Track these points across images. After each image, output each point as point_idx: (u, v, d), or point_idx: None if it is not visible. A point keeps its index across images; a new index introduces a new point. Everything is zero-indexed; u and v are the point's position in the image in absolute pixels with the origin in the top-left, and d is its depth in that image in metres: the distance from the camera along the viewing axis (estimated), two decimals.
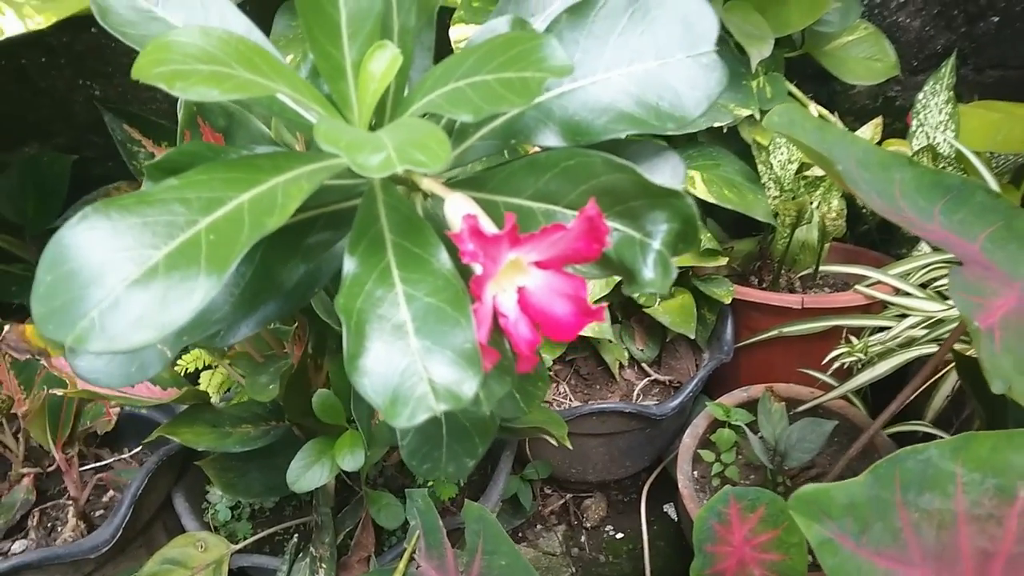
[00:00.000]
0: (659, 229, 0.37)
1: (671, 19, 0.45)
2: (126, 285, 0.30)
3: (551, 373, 1.27)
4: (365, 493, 0.93)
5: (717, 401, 1.12)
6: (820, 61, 1.29)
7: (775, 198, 1.21)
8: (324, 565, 0.89)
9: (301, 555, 0.90)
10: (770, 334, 1.22)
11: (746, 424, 1.08)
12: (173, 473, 0.99)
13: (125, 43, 0.37)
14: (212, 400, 0.98)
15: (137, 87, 1.23)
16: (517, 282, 0.37)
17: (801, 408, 1.11)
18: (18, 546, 1.00)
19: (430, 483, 0.95)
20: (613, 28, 0.45)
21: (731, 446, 1.08)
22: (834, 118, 1.29)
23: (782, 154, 1.24)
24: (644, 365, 1.27)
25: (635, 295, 1.19)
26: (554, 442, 0.91)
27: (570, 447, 0.88)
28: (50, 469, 1.06)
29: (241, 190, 0.34)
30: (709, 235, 1.19)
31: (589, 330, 1.15)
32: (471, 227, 0.33)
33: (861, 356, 1.10)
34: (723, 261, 1.20)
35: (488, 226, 0.35)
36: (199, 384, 1.01)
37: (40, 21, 0.77)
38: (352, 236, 0.37)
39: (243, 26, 0.40)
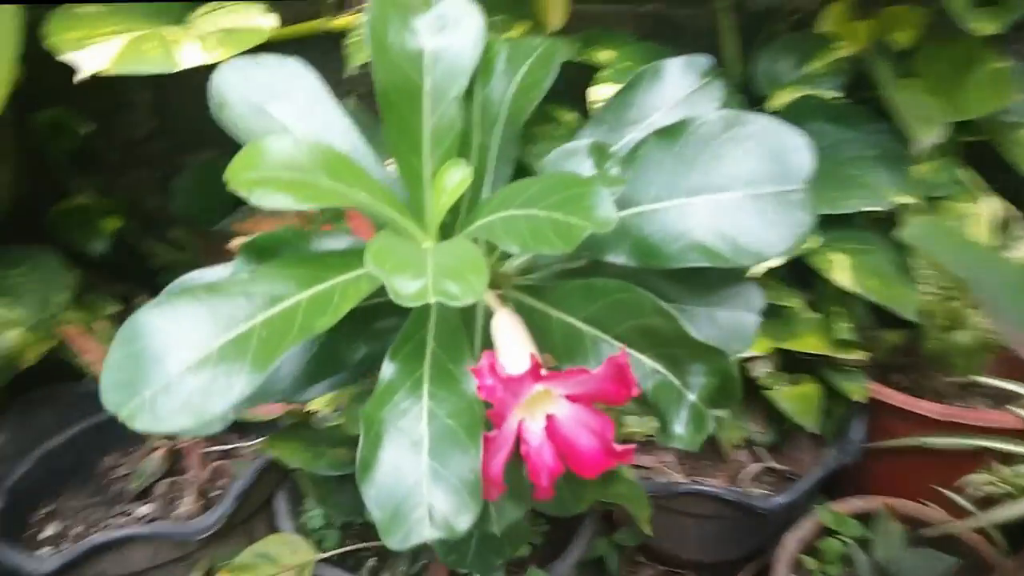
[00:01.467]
0: (698, 381, 0.37)
1: (764, 150, 0.44)
2: (181, 371, 0.34)
3: (656, 440, 1.24)
4: None
5: (830, 507, 1.05)
6: (1002, 152, 1.18)
7: (929, 295, 1.12)
8: None
9: None
10: (906, 442, 1.13)
11: (858, 539, 1.01)
12: (279, 474, 1.07)
13: (234, 137, 0.42)
14: (323, 414, 1.06)
15: None
16: (547, 409, 0.38)
17: (925, 532, 1.02)
18: (143, 510, 1.13)
19: None
20: (701, 153, 0.45)
21: (837, 559, 1.01)
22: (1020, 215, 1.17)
23: None
24: (760, 449, 1.22)
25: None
26: (646, 527, 0.90)
27: (649, 532, 0.86)
28: (181, 446, 1.19)
29: (302, 288, 0.38)
30: (846, 326, 1.12)
31: None
32: (489, 365, 0.34)
33: (1008, 488, 1.00)
34: (860, 355, 1.12)
35: (521, 362, 0.36)
36: None
37: (219, 55, 0.86)
38: (398, 339, 0.39)
39: (342, 128, 0.43)
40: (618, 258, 0.45)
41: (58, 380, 1.21)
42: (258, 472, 1.00)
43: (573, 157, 0.42)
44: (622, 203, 0.46)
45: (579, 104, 1.02)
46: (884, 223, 1.18)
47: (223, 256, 1.30)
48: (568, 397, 0.37)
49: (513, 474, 0.37)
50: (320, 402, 1.06)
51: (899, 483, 1.14)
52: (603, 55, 1.03)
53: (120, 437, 1.24)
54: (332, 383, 0.48)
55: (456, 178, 0.40)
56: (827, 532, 1.03)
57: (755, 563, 1.24)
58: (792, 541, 1.04)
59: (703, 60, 0.49)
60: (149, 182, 1.39)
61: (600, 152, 0.41)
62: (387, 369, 0.38)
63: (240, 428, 1.23)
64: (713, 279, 0.46)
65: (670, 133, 0.45)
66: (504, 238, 0.36)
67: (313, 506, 1.08)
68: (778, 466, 1.19)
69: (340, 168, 0.39)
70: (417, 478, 0.34)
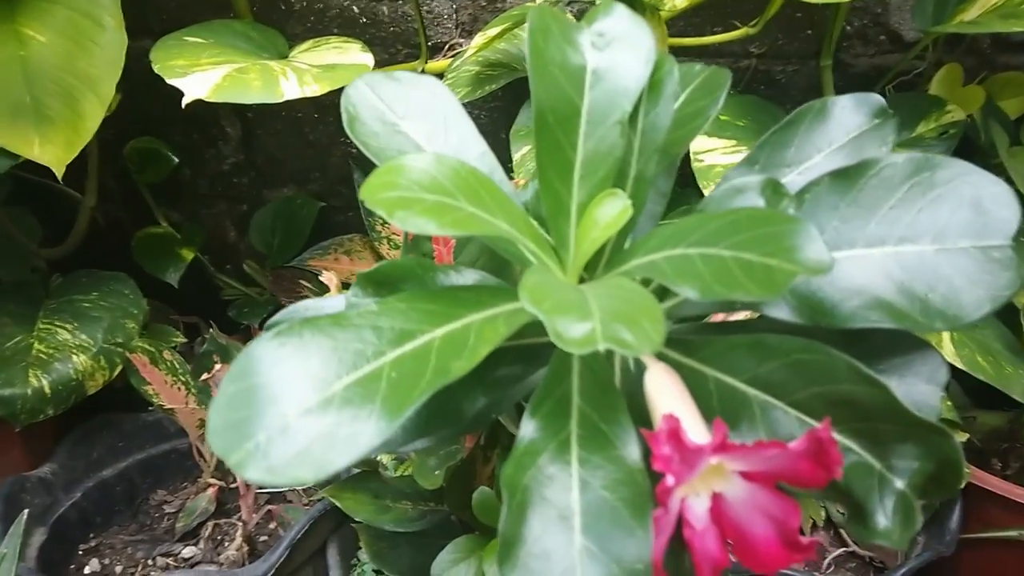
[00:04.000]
0: (907, 466, 0.30)
1: (960, 200, 0.38)
2: (299, 413, 0.29)
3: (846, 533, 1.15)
4: None
5: None
6: None
7: None
8: None
9: None
10: (1007, 533, 1.02)
11: None
12: (334, 523, 1.01)
13: (366, 154, 0.37)
14: (386, 466, 1.00)
15: None
16: (714, 486, 0.32)
17: None
18: (187, 551, 1.08)
19: None
20: (884, 200, 0.39)
21: None
22: None
23: None
24: (843, 532, 1.12)
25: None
26: None
27: None
28: (232, 486, 1.13)
29: (435, 325, 0.33)
30: (949, 404, 1.04)
31: None
32: (671, 430, 0.28)
33: None
34: (961, 437, 1.03)
35: (694, 429, 0.30)
36: None
37: (316, 89, 0.84)
38: (538, 393, 0.33)
39: (478, 149, 0.39)
40: (777, 312, 0.39)
41: (119, 408, 1.18)
42: (312, 520, 0.93)
43: (741, 195, 0.36)
44: None
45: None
46: None
47: (293, 293, 1.27)
48: (744, 474, 0.31)
49: (670, 565, 0.31)
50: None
51: None
52: None
53: (173, 472, 1.19)
54: (442, 436, 0.42)
55: (612, 211, 0.35)
56: None
57: None
58: None
59: (874, 99, 0.43)
60: (230, 215, 1.38)
61: (775, 190, 0.36)
62: (527, 427, 0.32)
63: None
64: (886, 345, 0.40)
65: (847, 175, 0.39)
66: (675, 279, 0.31)
67: (366, 559, 1.01)
68: (862, 552, 1.09)
69: (483, 192, 0.34)
70: (569, 563, 0.28)
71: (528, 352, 0.41)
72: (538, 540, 0.28)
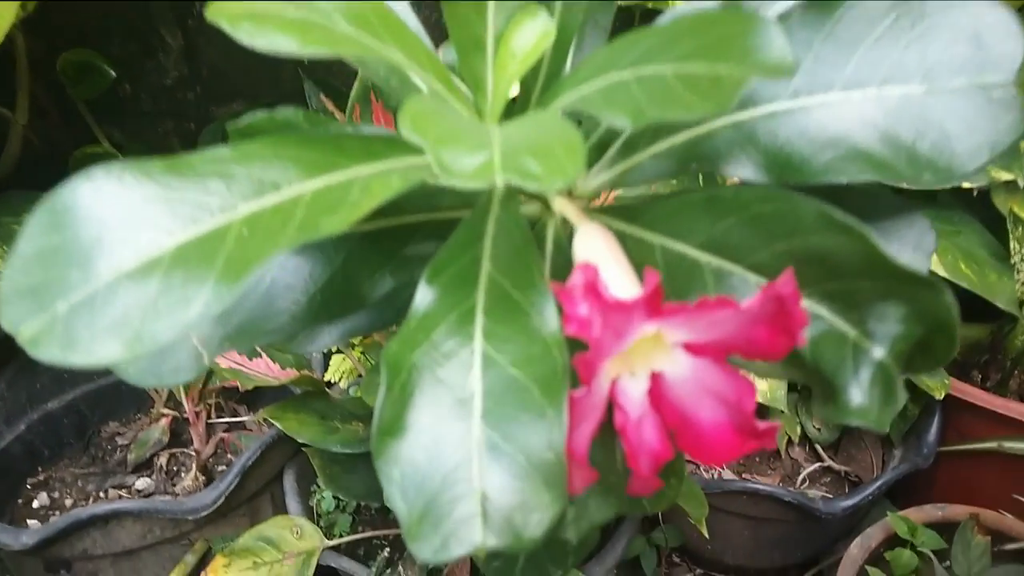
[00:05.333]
0: (888, 330, 0.24)
1: (954, 32, 0.31)
2: (114, 277, 0.22)
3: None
4: None
5: (903, 514, 0.92)
6: None
7: None
8: None
9: (389, 571, 0.83)
10: (985, 445, 0.99)
11: (934, 551, 0.88)
12: (290, 448, 0.96)
13: None
14: (341, 386, 0.94)
15: (344, 63, 1.24)
16: (653, 364, 0.26)
17: (1009, 547, 0.89)
18: (141, 483, 1.02)
19: None
20: (865, 34, 0.32)
21: (910, 572, 0.88)
22: None
23: None
24: (818, 447, 1.08)
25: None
26: (702, 528, 0.77)
27: (706, 534, 0.74)
28: (186, 416, 1.08)
29: (308, 176, 0.26)
30: None
31: (759, 395, 0.99)
32: (587, 283, 0.21)
33: None
34: None
35: (619, 284, 0.24)
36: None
37: None
38: (438, 258, 0.27)
39: None
40: (741, 172, 0.32)
41: None
42: (265, 446, 0.88)
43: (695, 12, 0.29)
44: (744, 101, 0.34)
45: None
46: (973, 202, 1.04)
47: None
48: (688, 347, 0.25)
49: (598, 457, 0.25)
50: (337, 372, 0.94)
51: (974, 491, 1.01)
52: None
53: (126, 404, 1.13)
54: (347, 328, 0.35)
55: (531, 36, 0.28)
56: (899, 543, 0.90)
57: (809, 572, 1.10)
58: (858, 549, 0.91)
59: None
60: (176, 133, 1.29)
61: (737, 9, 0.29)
62: (423, 297, 0.25)
63: (251, 399, 1.12)
64: (865, 208, 0.33)
65: (821, 6, 0.32)
66: (605, 108, 0.24)
67: (329, 490, 0.96)
68: (839, 467, 1.06)
69: (371, 18, 0.27)
70: (465, 455, 0.22)
71: (444, 228, 0.34)
72: (426, 430, 0.22)
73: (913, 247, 0.33)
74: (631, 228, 0.32)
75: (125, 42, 1.19)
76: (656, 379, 0.26)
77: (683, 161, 0.34)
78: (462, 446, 0.22)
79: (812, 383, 0.26)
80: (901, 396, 0.24)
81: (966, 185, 0.96)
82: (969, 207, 1.02)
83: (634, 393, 0.26)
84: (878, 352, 0.24)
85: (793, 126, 0.32)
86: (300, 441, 0.70)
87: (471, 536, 0.20)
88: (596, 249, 0.26)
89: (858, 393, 0.24)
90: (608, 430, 0.25)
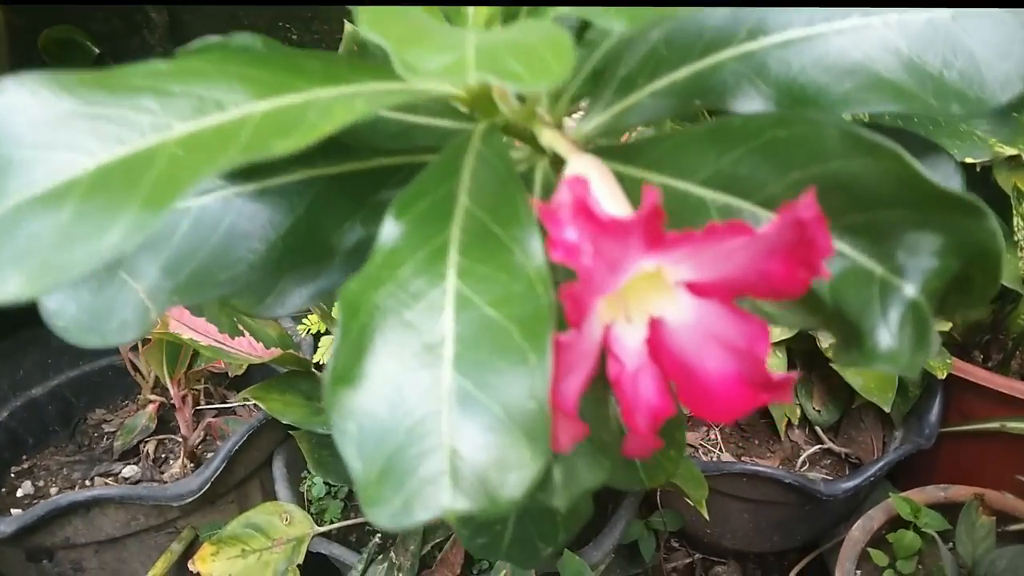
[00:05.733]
0: (921, 265, 0.21)
1: None
2: (19, 201, 0.19)
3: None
4: None
5: (905, 495, 0.89)
6: None
7: None
8: (402, 575, 0.78)
9: (380, 557, 0.79)
10: (988, 425, 0.96)
11: (938, 532, 0.85)
12: (279, 434, 0.92)
13: None
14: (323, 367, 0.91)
15: (332, 34, 1.19)
16: (651, 309, 0.22)
17: (1013, 528, 0.86)
18: (128, 471, 0.99)
19: None
20: None
21: (913, 554, 0.85)
22: None
23: None
24: (818, 429, 1.05)
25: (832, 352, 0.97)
26: (689, 501, 0.74)
27: (706, 516, 0.71)
28: (173, 401, 1.04)
29: (258, 95, 0.22)
30: None
31: None
32: (577, 200, 0.18)
33: None
34: (945, 326, 0.95)
35: (612, 204, 0.20)
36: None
37: None
38: (408, 191, 0.23)
39: None
40: (751, 106, 0.29)
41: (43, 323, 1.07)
42: (252, 431, 0.84)
43: None
44: (755, 30, 0.30)
45: None
46: (976, 178, 1.01)
47: None
48: (693, 287, 0.21)
49: (588, 412, 0.21)
50: (327, 353, 0.90)
51: (977, 472, 0.98)
52: None
53: (112, 390, 1.10)
54: (318, 287, 0.32)
55: None
56: (902, 524, 0.87)
57: (811, 557, 1.07)
58: (860, 531, 0.87)
59: None
60: None
61: None
62: (390, 232, 0.22)
63: (240, 385, 1.08)
64: None
65: None
66: (599, 15, 0.20)
67: (318, 475, 0.93)
68: (839, 449, 1.03)
69: None
70: (433, 405, 0.18)
71: (421, 172, 0.31)
72: (389, 379, 0.19)
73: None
74: (628, 169, 0.28)
75: (108, 18, 1.15)
76: (656, 326, 0.22)
77: (686, 98, 0.31)
78: (430, 396, 0.18)
79: (832, 328, 0.23)
80: (935, 340, 0.20)
81: (968, 160, 0.93)
82: (972, 184, 0.99)
83: (631, 341, 0.22)
84: (910, 290, 0.21)
85: (808, 55, 0.29)
86: (284, 422, 0.66)
87: (438, 497, 0.17)
88: (592, 175, 0.23)
89: (887, 336, 0.21)
90: (600, 383, 0.22)
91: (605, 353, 0.22)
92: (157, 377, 1.03)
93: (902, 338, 0.20)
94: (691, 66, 0.31)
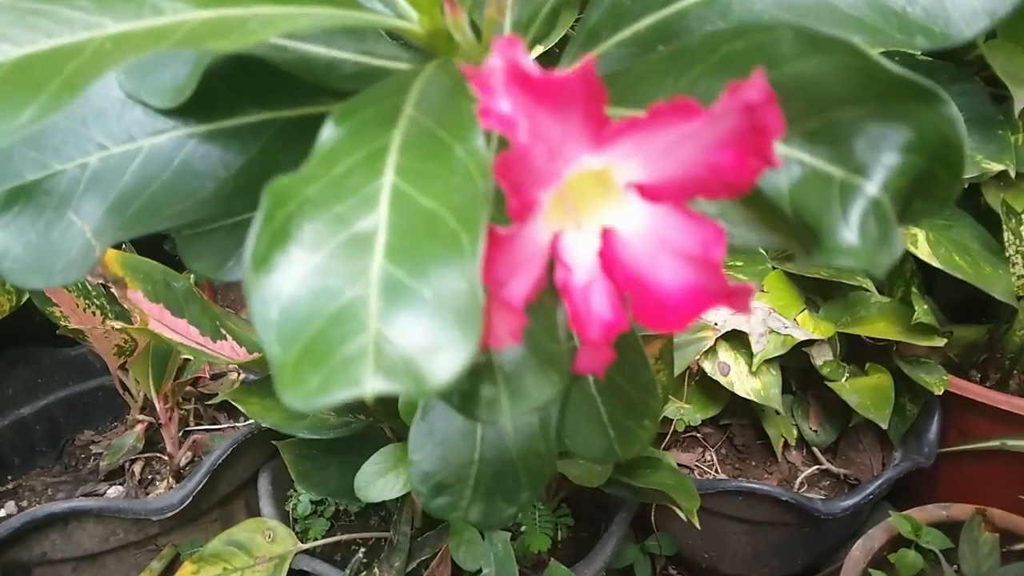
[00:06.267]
0: (883, 161, 0.20)
1: None
2: None
3: (699, 436, 1.06)
4: (450, 522, 0.78)
5: (906, 513, 0.86)
6: None
7: (1021, 276, 0.93)
8: None
9: (365, 574, 0.77)
10: (989, 444, 0.94)
11: (940, 551, 0.81)
12: (265, 451, 0.90)
13: None
14: None
15: None
16: (603, 219, 0.21)
17: (1018, 547, 0.83)
18: (112, 491, 0.96)
19: (523, 527, 0.78)
20: None
21: (915, 574, 0.82)
22: None
23: None
24: (815, 450, 1.02)
25: (820, 363, 0.95)
26: (682, 515, 0.72)
27: (697, 525, 0.68)
28: (161, 421, 1.02)
29: (201, 4, 0.21)
30: (926, 308, 0.94)
31: (752, 394, 0.94)
32: (509, 63, 0.17)
33: None
34: (939, 342, 0.93)
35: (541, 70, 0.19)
36: None
37: None
38: (353, 101, 0.22)
39: None
40: None
41: (37, 343, 1.06)
42: (235, 445, 0.82)
43: None
44: None
45: None
46: (966, 195, 1.00)
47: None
48: (643, 190, 0.20)
49: (536, 325, 0.20)
50: None
51: (978, 491, 0.95)
52: None
53: (102, 411, 1.08)
54: None
55: None
56: (903, 543, 0.83)
57: None
58: (860, 552, 0.84)
59: None
60: None
61: None
62: (328, 135, 0.21)
63: (231, 406, 1.06)
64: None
65: None
66: None
67: (304, 489, 0.90)
68: (837, 469, 1.00)
69: None
70: (361, 291, 0.17)
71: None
72: (316, 267, 0.17)
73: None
74: None
75: None
76: (608, 237, 0.21)
77: (651, 47, 0.30)
78: (358, 283, 0.17)
79: (794, 239, 0.21)
80: (899, 239, 0.19)
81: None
82: (962, 201, 0.98)
83: (581, 252, 0.21)
84: (871, 188, 0.20)
85: None
86: (264, 425, 0.64)
87: (358, 376, 0.15)
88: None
89: (848, 233, 0.19)
90: (549, 293, 0.21)
91: (555, 261, 0.20)
92: (146, 397, 1.01)
93: (864, 235, 0.19)
94: (655, 15, 0.30)
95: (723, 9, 0.29)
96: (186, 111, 0.28)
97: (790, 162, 0.21)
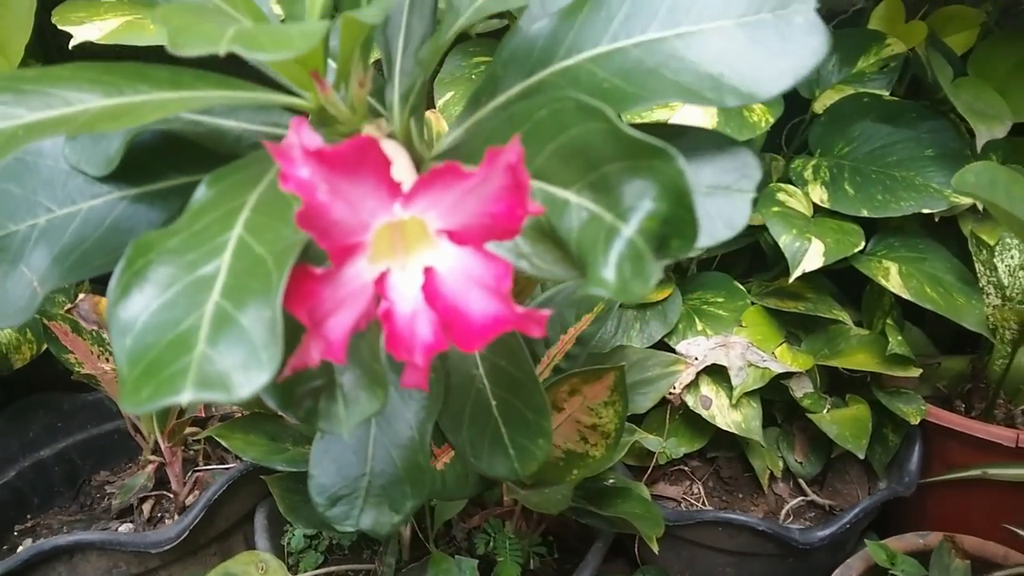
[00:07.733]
0: (638, 209, 0.24)
1: None
2: None
3: (686, 469, 1.07)
4: (431, 553, 0.81)
5: (883, 542, 0.86)
6: None
7: (994, 307, 0.95)
8: None
9: None
10: (970, 473, 0.94)
11: None
12: (262, 487, 0.94)
13: None
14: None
15: None
16: (424, 259, 0.25)
17: (995, 575, 0.83)
18: (123, 528, 1.01)
19: (500, 556, 0.81)
20: None
21: None
22: None
23: (1012, 257, 0.97)
24: (802, 482, 1.03)
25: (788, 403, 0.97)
26: (653, 545, 0.74)
27: (656, 551, 0.70)
28: (167, 461, 1.07)
29: (105, 94, 0.27)
30: (900, 339, 0.95)
31: (734, 426, 0.96)
32: (302, 140, 0.21)
33: None
34: (915, 372, 0.95)
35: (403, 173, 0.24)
36: None
37: None
38: (226, 168, 0.27)
39: None
40: None
41: (57, 388, 1.12)
42: (232, 480, 0.87)
43: None
44: (570, 49, 0.34)
45: None
46: (938, 227, 1.03)
47: None
48: (451, 235, 0.25)
49: (368, 348, 0.24)
50: None
51: (959, 519, 0.95)
52: None
53: (117, 453, 1.13)
54: None
55: None
56: (877, 572, 0.84)
57: None
58: None
59: None
60: None
61: None
62: (198, 196, 0.26)
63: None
64: (695, 145, 0.33)
65: None
66: None
67: (291, 521, 0.94)
68: (823, 501, 1.01)
69: None
70: (196, 322, 0.21)
71: None
72: (164, 303, 0.22)
73: (738, 174, 0.32)
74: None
75: None
76: (429, 274, 0.25)
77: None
78: (195, 314, 0.22)
79: (580, 270, 0.25)
80: (651, 273, 0.23)
81: (926, 211, 0.95)
82: (936, 234, 1.01)
83: (406, 287, 0.25)
84: (627, 230, 0.24)
85: (613, 65, 0.33)
86: (245, 459, 0.69)
87: (178, 386, 0.20)
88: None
89: (607, 269, 0.23)
90: (376, 323, 0.25)
91: (379, 293, 0.25)
92: (157, 440, 1.07)
93: (620, 270, 0.23)
94: (522, 83, 0.35)
95: (572, 79, 0.33)
96: (119, 177, 0.33)
97: (580, 208, 0.25)
